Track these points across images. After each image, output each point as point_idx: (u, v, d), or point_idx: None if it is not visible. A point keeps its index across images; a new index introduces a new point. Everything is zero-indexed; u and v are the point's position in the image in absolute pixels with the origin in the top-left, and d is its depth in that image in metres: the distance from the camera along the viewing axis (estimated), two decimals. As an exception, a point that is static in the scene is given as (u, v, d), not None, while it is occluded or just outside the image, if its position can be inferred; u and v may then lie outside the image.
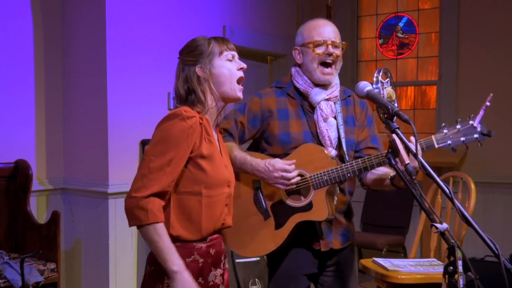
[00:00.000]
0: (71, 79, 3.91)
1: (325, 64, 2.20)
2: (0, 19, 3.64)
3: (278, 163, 2.10)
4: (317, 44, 2.20)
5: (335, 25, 2.27)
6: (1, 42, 3.65)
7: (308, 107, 2.25)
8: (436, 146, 1.97)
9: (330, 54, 2.18)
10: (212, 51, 1.86)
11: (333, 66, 2.21)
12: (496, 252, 1.44)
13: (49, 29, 3.86)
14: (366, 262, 3.15)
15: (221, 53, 1.87)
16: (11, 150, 3.68)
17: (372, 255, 3.88)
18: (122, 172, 3.74)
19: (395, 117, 1.68)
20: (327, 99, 2.22)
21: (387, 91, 1.87)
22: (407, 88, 5.47)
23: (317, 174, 2.12)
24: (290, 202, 2.17)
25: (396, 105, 1.79)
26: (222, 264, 1.92)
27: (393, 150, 1.72)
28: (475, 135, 1.94)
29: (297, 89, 2.27)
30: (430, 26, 5.32)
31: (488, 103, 1.89)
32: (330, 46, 2.19)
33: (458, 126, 1.96)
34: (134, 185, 1.74)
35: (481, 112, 1.93)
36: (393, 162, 1.71)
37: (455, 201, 1.50)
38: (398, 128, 1.68)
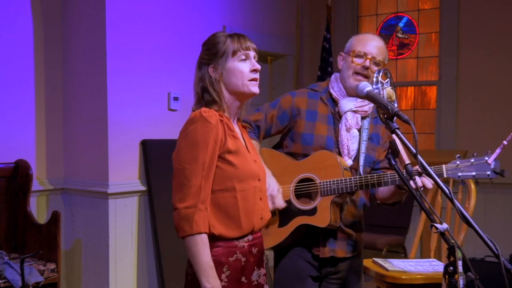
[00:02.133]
0: (71, 79, 3.91)
1: (359, 75, 2.21)
2: (0, 19, 3.64)
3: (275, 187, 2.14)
4: (357, 55, 2.22)
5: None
6: (1, 42, 3.65)
7: (337, 115, 2.27)
8: (445, 175, 1.99)
9: (366, 68, 2.20)
10: (226, 51, 1.84)
11: (367, 80, 2.17)
12: (496, 252, 1.44)
13: (49, 29, 3.86)
14: (366, 262, 3.14)
15: (234, 53, 1.83)
16: (11, 150, 3.68)
17: (372, 255, 3.87)
18: (122, 172, 3.75)
19: (395, 117, 1.68)
20: (355, 111, 2.23)
21: (387, 91, 1.87)
22: (407, 88, 5.47)
23: (326, 182, 2.15)
24: (296, 203, 2.20)
25: (396, 105, 1.79)
26: (264, 264, 1.92)
27: (393, 151, 1.72)
28: (487, 172, 1.94)
29: (331, 95, 2.29)
30: (430, 26, 5.32)
31: (505, 142, 1.86)
32: (368, 60, 2.20)
33: (472, 160, 1.96)
34: (175, 196, 1.75)
35: (498, 150, 1.91)
36: (393, 163, 1.72)
37: (455, 201, 1.50)
38: (398, 128, 1.67)
